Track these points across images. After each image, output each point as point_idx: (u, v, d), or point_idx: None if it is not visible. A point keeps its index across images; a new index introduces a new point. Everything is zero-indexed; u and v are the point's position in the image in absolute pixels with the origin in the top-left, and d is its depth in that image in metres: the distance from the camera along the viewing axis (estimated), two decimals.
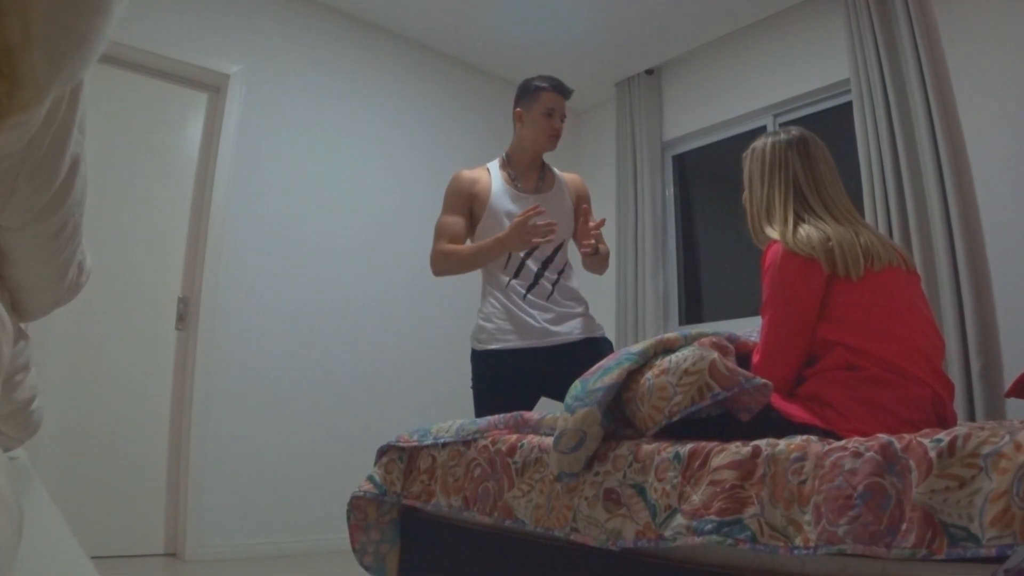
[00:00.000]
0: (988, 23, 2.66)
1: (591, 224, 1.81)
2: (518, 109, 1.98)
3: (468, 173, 1.99)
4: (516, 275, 1.91)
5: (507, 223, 1.87)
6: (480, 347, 1.90)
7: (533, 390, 1.88)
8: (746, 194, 1.41)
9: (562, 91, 1.95)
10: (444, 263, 1.89)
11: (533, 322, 1.87)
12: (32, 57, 0.28)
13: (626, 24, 3.47)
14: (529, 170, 2.02)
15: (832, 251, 1.21)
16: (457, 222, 1.93)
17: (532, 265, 1.92)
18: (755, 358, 1.26)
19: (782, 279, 1.22)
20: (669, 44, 3.68)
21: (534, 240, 1.73)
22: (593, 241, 1.82)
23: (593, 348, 1.86)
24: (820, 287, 1.21)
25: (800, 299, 1.21)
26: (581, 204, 2.03)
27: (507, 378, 1.85)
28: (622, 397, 1.20)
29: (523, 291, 1.90)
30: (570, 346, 1.88)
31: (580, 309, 1.96)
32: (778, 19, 3.38)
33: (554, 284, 1.93)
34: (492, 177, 1.98)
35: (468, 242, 1.97)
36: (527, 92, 1.96)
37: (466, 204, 1.95)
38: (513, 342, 1.86)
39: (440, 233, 1.92)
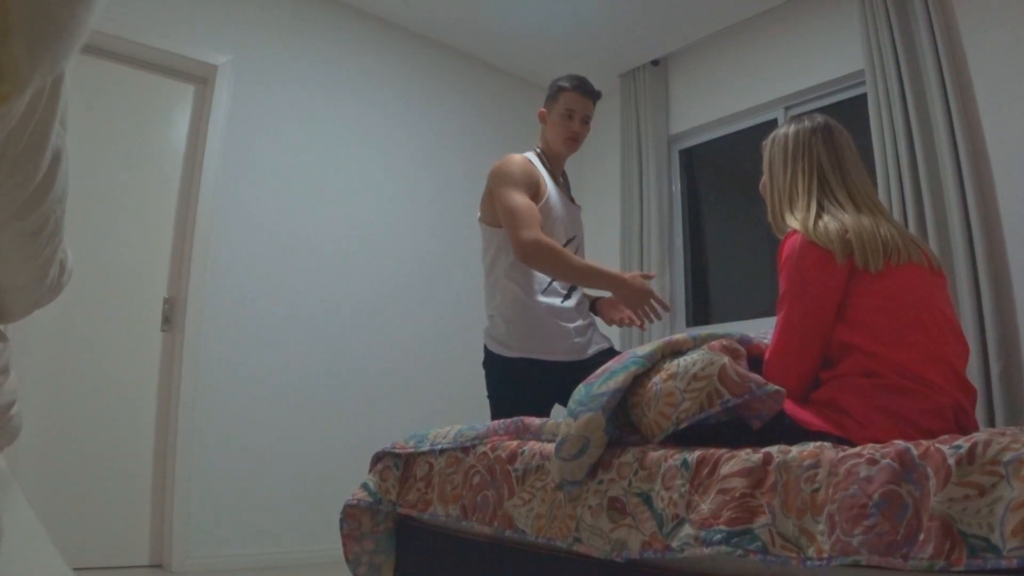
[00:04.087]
0: (1008, 10, 2.59)
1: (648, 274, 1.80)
2: (542, 109, 1.96)
3: (523, 157, 1.87)
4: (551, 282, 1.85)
5: (558, 225, 1.84)
6: (508, 353, 1.77)
7: (552, 401, 1.82)
8: (765, 180, 1.38)
9: (584, 91, 1.89)
10: (546, 258, 1.68)
11: (566, 329, 1.82)
12: (11, 47, 0.27)
13: (631, 13, 3.40)
14: (557, 173, 1.97)
15: (849, 242, 1.18)
16: (534, 207, 1.76)
17: None
18: (766, 354, 1.23)
19: (800, 271, 1.19)
20: (676, 34, 3.60)
21: (641, 309, 1.70)
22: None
23: (607, 359, 1.82)
24: (841, 281, 1.18)
25: (820, 293, 1.18)
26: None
27: (534, 389, 1.76)
28: (628, 402, 1.18)
29: (560, 298, 1.84)
30: (595, 357, 1.82)
31: (590, 321, 1.94)
32: (789, 8, 3.32)
33: (581, 295, 1.92)
34: (541, 171, 1.90)
35: None
36: (551, 91, 1.93)
37: (533, 187, 1.81)
38: (554, 355, 1.78)
39: (530, 217, 1.71)
